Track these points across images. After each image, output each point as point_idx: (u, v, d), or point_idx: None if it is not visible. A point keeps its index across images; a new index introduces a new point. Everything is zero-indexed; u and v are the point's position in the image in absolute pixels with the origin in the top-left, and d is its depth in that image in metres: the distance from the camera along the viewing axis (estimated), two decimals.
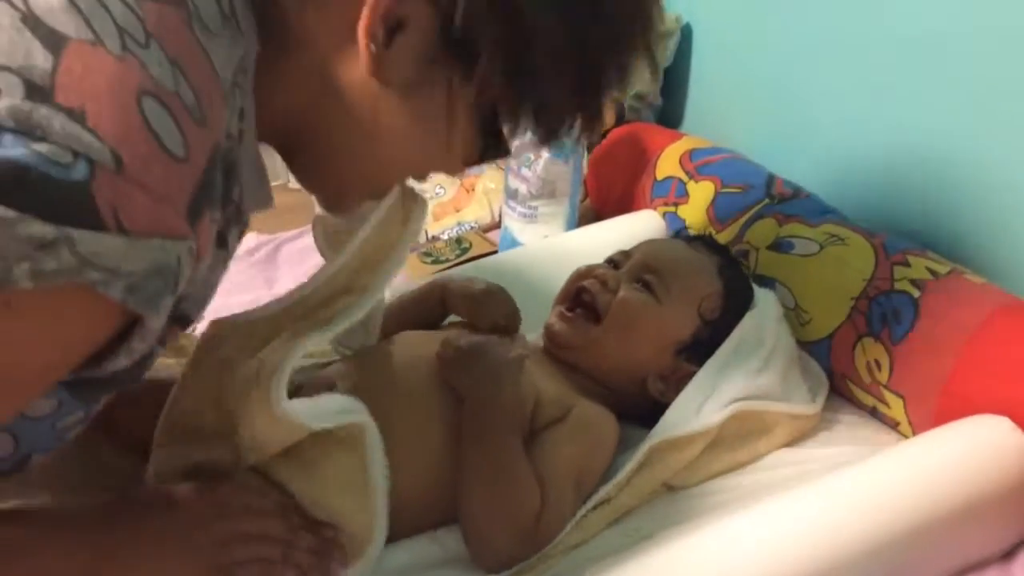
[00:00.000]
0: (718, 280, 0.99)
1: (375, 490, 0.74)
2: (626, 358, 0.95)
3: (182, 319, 0.56)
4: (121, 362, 0.52)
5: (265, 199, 0.61)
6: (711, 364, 0.95)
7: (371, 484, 0.74)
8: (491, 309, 0.97)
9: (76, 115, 0.43)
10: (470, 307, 0.98)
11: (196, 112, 0.49)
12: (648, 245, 1.03)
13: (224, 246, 0.55)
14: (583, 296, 0.97)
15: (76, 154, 0.43)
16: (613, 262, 1.02)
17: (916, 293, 0.95)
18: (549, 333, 0.98)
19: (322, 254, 0.90)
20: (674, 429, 0.90)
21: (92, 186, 0.43)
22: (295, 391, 0.83)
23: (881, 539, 0.76)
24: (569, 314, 0.97)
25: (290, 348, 0.70)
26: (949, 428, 0.85)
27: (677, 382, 0.95)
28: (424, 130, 0.63)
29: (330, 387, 0.83)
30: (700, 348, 0.96)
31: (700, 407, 0.93)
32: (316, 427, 0.71)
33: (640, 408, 0.96)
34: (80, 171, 0.43)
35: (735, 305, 0.99)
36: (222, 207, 0.53)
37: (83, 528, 0.64)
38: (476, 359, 0.85)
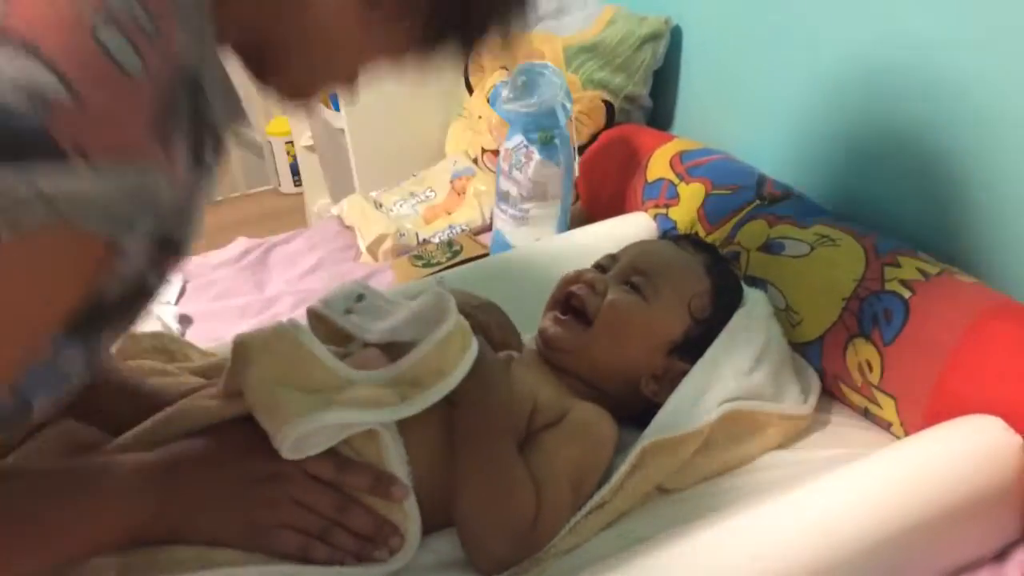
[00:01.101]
0: (706, 278, 0.99)
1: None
2: (619, 360, 0.95)
3: (171, 245, 0.56)
4: (113, 289, 0.52)
5: (236, 112, 0.60)
6: (702, 363, 0.95)
7: None
8: (485, 325, 0.97)
9: (30, 48, 0.43)
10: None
11: (149, 27, 0.47)
12: (635, 247, 1.03)
13: (201, 163, 0.54)
14: (572, 302, 0.97)
15: (31, 92, 0.42)
16: (601, 266, 1.02)
17: (907, 294, 0.95)
18: (543, 337, 0.98)
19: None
20: (666, 430, 0.89)
21: (50, 122, 0.43)
22: None
23: (874, 540, 0.76)
24: (562, 318, 0.97)
25: (324, 412, 0.72)
26: (941, 428, 0.85)
27: (670, 382, 0.95)
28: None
29: None
30: (692, 346, 0.96)
31: (692, 407, 0.93)
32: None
33: (634, 409, 0.96)
34: (37, 109, 0.42)
35: (725, 302, 0.99)
36: (192, 125, 0.52)
37: (149, 470, 0.68)
38: None
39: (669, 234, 1.15)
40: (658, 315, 0.95)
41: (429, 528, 0.80)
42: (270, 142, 3.06)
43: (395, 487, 0.76)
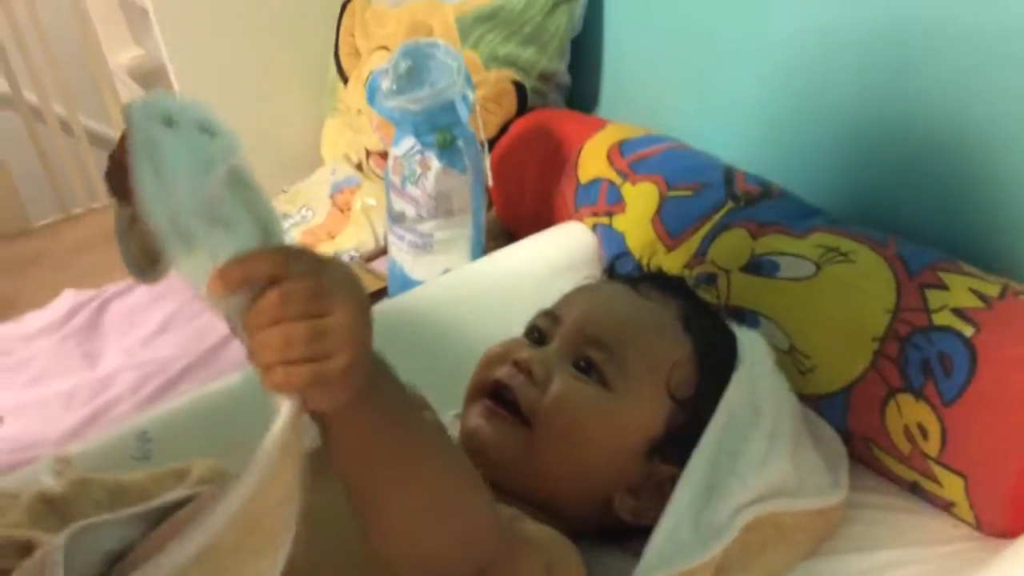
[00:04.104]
0: (686, 337, 0.71)
1: None
2: (578, 475, 0.68)
3: None
4: None
5: None
6: (698, 459, 0.68)
7: None
8: None
9: None
10: None
11: None
12: (581, 301, 0.74)
13: None
14: (503, 395, 0.67)
15: None
16: (538, 331, 0.73)
17: (968, 330, 0.69)
18: (474, 440, 0.68)
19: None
20: (666, 564, 0.64)
21: None
22: None
23: None
24: (497, 410, 0.68)
25: None
26: None
27: (653, 491, 0.68)
28: None
29: None
30: (679, 440, 0.68)
31: (695, 524, 0.67)
32: None
33: (604, 529, 0.69)
34: None
35: (716, 368, 0.72)
36: None
37: None
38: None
39: (619, 271, 0.85)
40: (628, 406, 0.68)
41: None
42: None
43: None
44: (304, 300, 0.41)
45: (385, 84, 1.00)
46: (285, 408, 0.43)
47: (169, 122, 0.44)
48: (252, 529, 0.45)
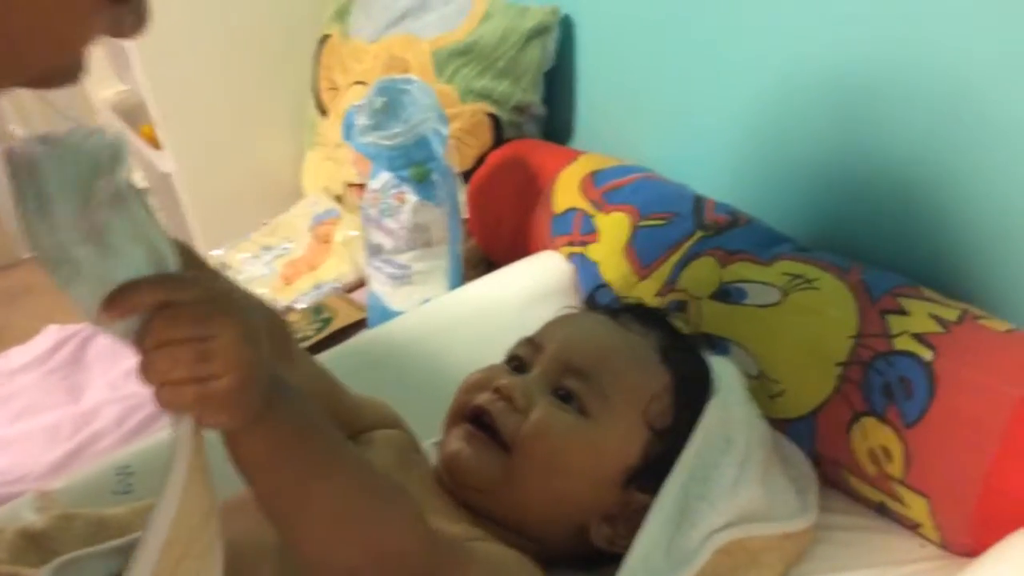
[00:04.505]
0: (664, 369, 0.73)
1: None
2: (554, 502, 0.69)
3: None
4: None
5: None
6: (670, 487, 0.70)
7: None
8: None
9: None
10: None
11: None
12: (561, 330, 0.76)
13: None
14: (484, 420, 0.69)
15: None
16: (518, 359, 0.74)
17: (927, 354, 0.71)
18: (452, 464, 0.70)
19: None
20: None
21: None
22: None
23: None
24: (478, 434, 0.69)
25: None
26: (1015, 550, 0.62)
27: (629, 519, 0.69)
28: None
29: None
30: (655, 469, 0.70)
31: (667, 550, 0.69)
32: None
33: (578, 555, 0.71)
34: None
35: (692, 398, 0.73)
36: None
37: None
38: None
39: (599, 302, 0.87)
40: (607, 436, 0.69)
41: None
42: None
43: None
44: (189, 324, 0.43)
45: (360, 120, 1.02)
46: (182, 426, 0.45)
47: (47, 141, 0.44)
48: (183, 555, 0.46)
